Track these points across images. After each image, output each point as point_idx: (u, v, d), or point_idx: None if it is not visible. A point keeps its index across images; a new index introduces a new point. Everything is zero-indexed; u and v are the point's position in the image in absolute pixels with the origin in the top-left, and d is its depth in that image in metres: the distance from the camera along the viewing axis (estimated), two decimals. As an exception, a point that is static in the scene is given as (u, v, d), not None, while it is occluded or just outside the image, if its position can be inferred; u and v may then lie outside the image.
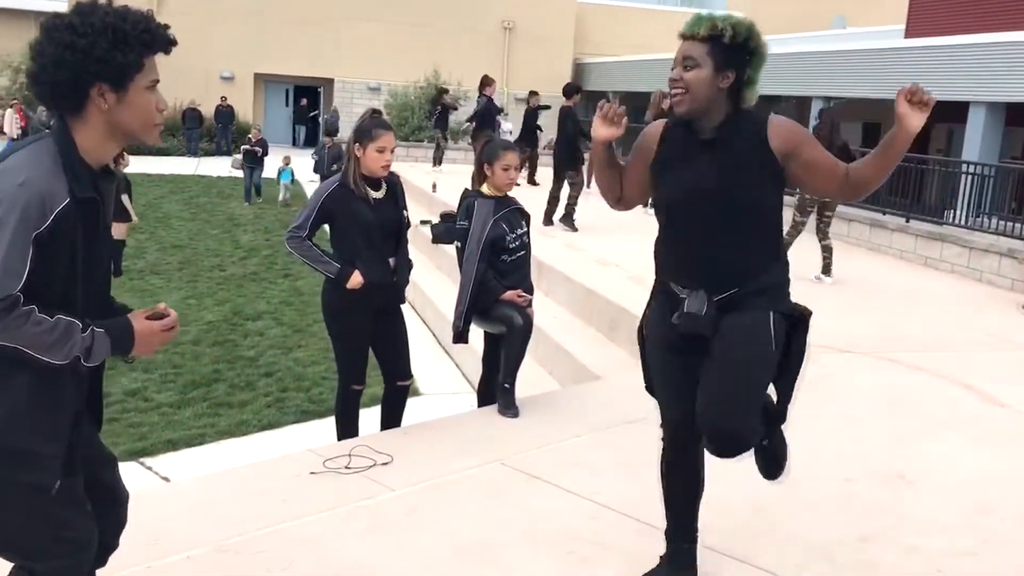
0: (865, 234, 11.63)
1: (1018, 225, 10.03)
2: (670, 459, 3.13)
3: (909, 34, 21.63)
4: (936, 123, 19.95)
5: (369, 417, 4.94)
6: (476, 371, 8.72)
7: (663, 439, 3.14)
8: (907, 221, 11.07)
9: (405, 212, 4.67)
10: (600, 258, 9.88)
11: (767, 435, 3.02)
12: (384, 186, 4.51)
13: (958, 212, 11.20)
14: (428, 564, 3.31)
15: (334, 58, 28.07)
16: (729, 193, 2.77)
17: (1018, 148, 17.72)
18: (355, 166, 4.41)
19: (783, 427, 3.08)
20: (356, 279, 4.37)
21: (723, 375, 2.79)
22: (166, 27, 2.17)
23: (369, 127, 4.39)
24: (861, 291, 8.94)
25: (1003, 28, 16.68)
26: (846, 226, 11.42)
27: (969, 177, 11.64)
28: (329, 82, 28.90)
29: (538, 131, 16.74)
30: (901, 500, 4.09)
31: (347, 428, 4.68)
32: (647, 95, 15.21)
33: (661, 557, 3.23)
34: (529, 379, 7.60)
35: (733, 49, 2.76)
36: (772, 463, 3.10)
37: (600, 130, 2.86)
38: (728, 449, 2.85)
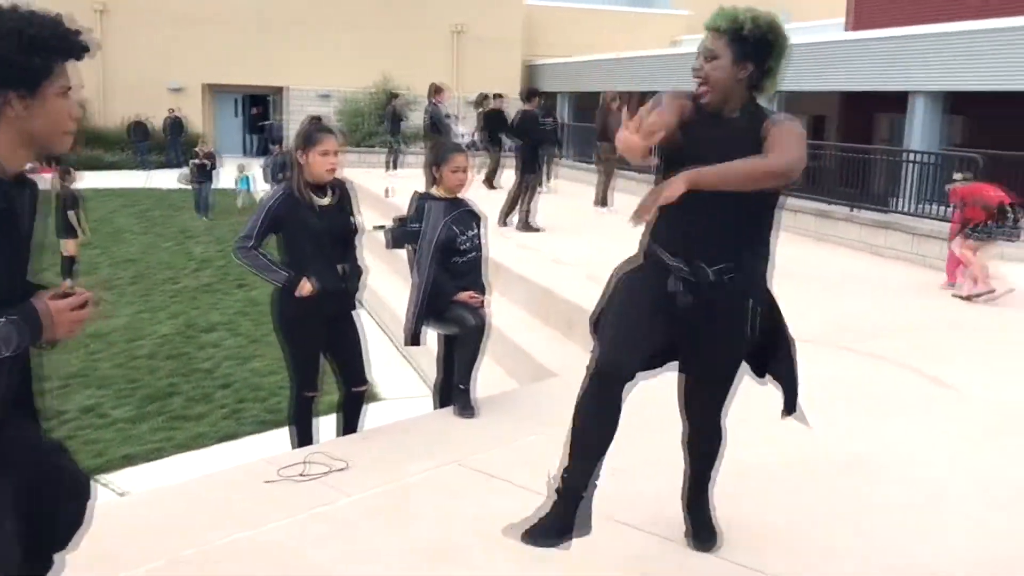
0: (812, 224, 11.81)
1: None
2: (598, 399, 3.05)
3: (851, 27, 22.04)
4: (879, 113, 20.37)
5: (328, 424, 4.93)
6: (435, 374, 8.76)
7: (592, 377, 3.05)
8: (852, 210, 11.26)
9: (354, 218, 4.66)
10: (556, 257, 9.94)
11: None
12: (332, 192, 4.50)
13: (903, 200, 11.43)
14: (389, 566, 3.32)
15: (284, 66, 27.87)
16: None
17: (959, 136, 18.10)
18: (300, 173, 4.40)
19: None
20: (306, 287, 4.36)
21: (713, 394, 3.25)
22: (79, 32, 2.10)
23: (311, 132, 4.39)
24: (810, 281, 9.08)
25: (941, 19, 17.06)
26: (792, 217, 11.58)
27: (912, 165, 11.89)
28: (280, 90, 28.69)
29: (505, 135, 16.41)
30: (853, 484, 4.18)
31: (303, 436, 4.67)
32: (597, 95, 15.30)
33: (555, 504, 3.20)
34: (488, 379, 7.60)
35: (752, 42, 2.88)
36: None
37: (634, 139, 2.76)
38: (716, 441, 3.31)
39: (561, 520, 3.16)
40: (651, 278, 3.07)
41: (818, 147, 16.48)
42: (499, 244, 10.48)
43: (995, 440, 4.78)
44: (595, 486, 3.18)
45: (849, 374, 5.94)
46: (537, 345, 7.72)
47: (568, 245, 10.68)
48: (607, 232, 12.09)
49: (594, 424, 3.08)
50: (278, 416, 7.57)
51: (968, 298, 8.19)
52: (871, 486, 4.16)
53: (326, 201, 4.47)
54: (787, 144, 2.84)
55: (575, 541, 3.49)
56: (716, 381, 3.21)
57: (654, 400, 3.54)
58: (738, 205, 2.90)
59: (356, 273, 4.65)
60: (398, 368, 9.01)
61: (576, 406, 3.09)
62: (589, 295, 7.91)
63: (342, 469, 4.14)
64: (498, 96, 16.96)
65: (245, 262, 4.45)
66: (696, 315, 3.00)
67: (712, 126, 2.97)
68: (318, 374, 4.69)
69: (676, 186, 2.70)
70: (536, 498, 3.87)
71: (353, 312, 4.77)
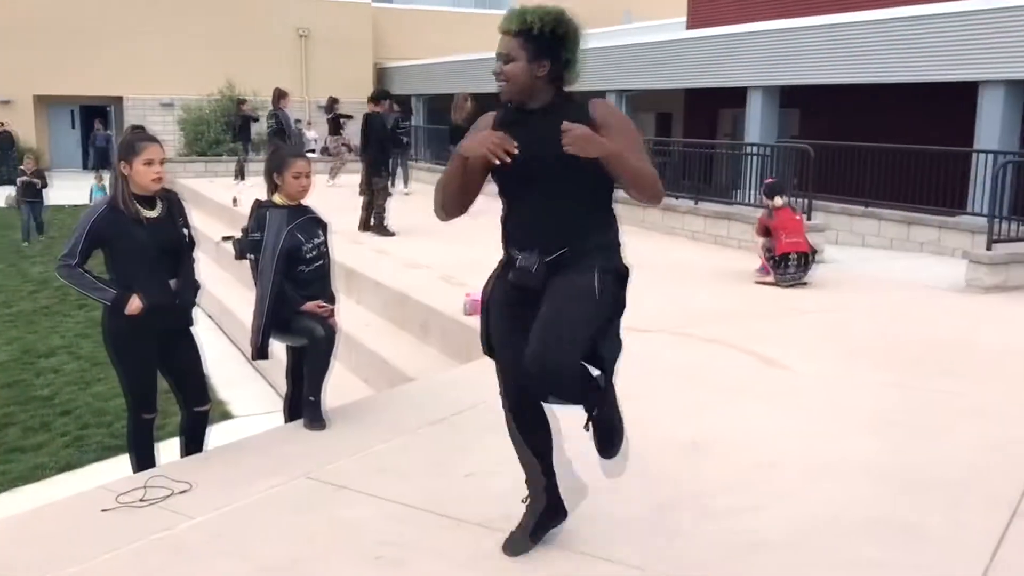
0: (659, 218, 12.19)
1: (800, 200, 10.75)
2: (521, 418, 3.26)
3: (691, 25, 22.86)
4: (722, 109, 21.22)
5: (174, 447, 4.75)
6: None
7: (506, 406, 3.27)
8: (696, 203, 11.68)
9: (186, 231, 4.51)
10: (411, 261, 9.90)
11: (595, 403, 3.15)
12: (160, 204, 4.34)
13: (743, 192, 11.93)
14: (232, 589, 3.23)
15: (121, 75, 26.70)
16: (562, 160, 2.89)
17: (795, 128, 19.05)
18: (124, 185, 4.22)
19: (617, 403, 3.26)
20: (134, 304, 4.19)
21: (546, 316, 2.96)
22: None
23: (132, 141, 4.22)
24: (656, 272, 9.36)
25: (776, 16, 17.90)
26: (641, 212, 11.92)
27: (750, 158, 12.43)
28: (119, 100, 27.47)
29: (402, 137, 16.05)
30: (694, 465, 4.33)
31: (142, 460, 4.48)
32: (449, 96, 15.30)
33: (541, 513, 3.41)
34: (343, 388, 7.53)
35: (544, 39, 2.97)
36: (606, 437, 3.26)
37: (480, 150, 2.93)
38: (548, 385, 2.99)
39: (537, 517, 3.40)
40: (507, 283, 3.16)
41: (664, 143, 17.12)
42: (352, 251, 10.39)
43: (821, 415, 5.04)
44: (553, 476, 3.40)
45: (689, 359, 6.16)
46: (392, 350, 7.67)
47: (423, 248, 10.66)
48: (462, 234, 12.15)
49: (536, 436, 3.31)
50: (124, 440, 7.25)
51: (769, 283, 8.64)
52: (711, 465, 4.31)
53: (153, 213, 4.29)
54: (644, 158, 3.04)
55: (421, 547, 3.50)
56: (552, 307, 2.98)
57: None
58: (575, 198, 3.03)
59: (189, 288, 4.48)
60: (250, 383, 8.78)
61: (513, 435, 3.33)
62: (443, 296, 7.97)
63: (184, 491, 3.99)
64: (394, 104, 16.69)
65: (69, 281, 4.23)
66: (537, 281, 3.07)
67: (521, 124, 3.04)
68: (154, 394, 4.49)
69: (596, 150, 2.85)
70: (386, 505, 3.87)
71: (191, 328, 4.60)
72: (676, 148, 14.38)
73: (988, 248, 8.39)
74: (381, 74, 29.86)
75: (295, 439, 4.72)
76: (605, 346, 3.15)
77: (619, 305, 3.17)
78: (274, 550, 3.47)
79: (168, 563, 3.40)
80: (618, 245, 3.19)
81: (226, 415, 7.94)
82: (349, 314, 8.97)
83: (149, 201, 4.28)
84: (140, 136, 4.26)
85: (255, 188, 15.95)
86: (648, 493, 4.01)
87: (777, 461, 4.38)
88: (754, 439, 4.68)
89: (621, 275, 3.15)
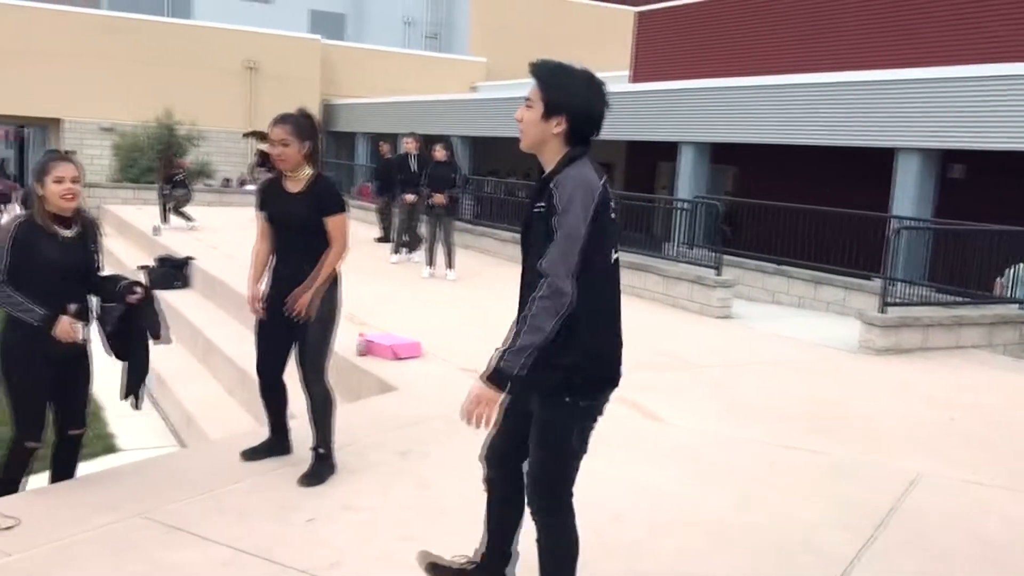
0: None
1: (710, 253, 10.90)
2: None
3: (633, 79, 23.30)
4: (661, 161, 21.57)
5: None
6: (182, 422, 8.42)
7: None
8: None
9: (97, 255, 4.47)
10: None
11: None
12: (76, 227, 4.34)
13: (673, 244, 12.02)
14: (27, 631, 3.13)
15: (61, 97, 26.34)
16: None
17: (729, 184, 19.42)
18: (41, 205, 4.25)
19: None
20: (62, 326, 4.16)
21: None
22: None
23: (44, 161, 4.29)
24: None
25: (717, 74, 18.33)
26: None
27: (677, 212, 12.60)
28: (56, 122, 27.09)
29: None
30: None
31: (6, 488, 4.34)
32: (395, 136, 15.23)
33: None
34: (233, 424, 7.44)
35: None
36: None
37: None
38: None
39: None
40: None
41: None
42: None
43: (682, 470, 5.07)
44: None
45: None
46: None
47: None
48: (379, 269, 12.12)
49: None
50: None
51: None
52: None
53: (69, 234, 4.31)
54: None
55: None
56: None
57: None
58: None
59: (86, 313, 4.43)
60: (143, 416, 8.58)
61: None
62: (340, 336, 7.87)
63: (11, 527, 3.88)
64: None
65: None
66: None
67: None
68: (42, 423, 4.39)
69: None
70: (215, 548, 3.79)
71: (88, 351, 4.53)
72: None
73: (881, 311, 8.57)
74: (328, 110, 29.88)
75: (145, 474, 4.64)
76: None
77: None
78: (81, 592, 3.38)
79: (-31, 602, 3.29)
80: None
81: (110, 448, 7.76)
82: (248, 348, 8.87)
83: (65, 222, 4.29)
84: (51, 156, 4.34)
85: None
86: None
87: (624, 514, 4.39)
88: (609, 491, 4.68)
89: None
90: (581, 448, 3.03)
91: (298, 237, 4.62)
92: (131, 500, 4.26)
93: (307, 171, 4.63)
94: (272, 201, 4.69)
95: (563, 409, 2.92)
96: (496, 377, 2.77)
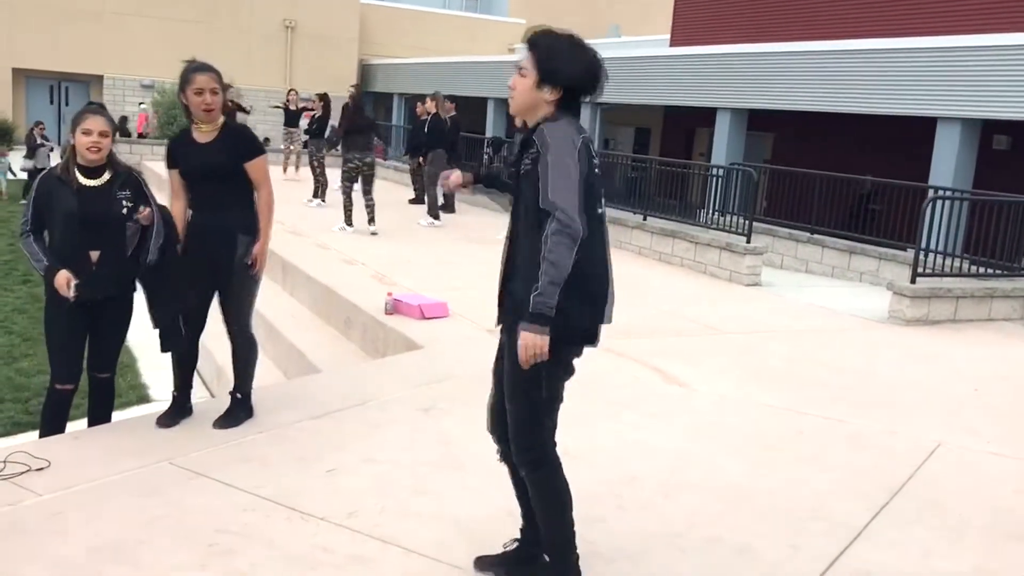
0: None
1: (743, 220, 10.81)
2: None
3: (673, 43, 22.99)
4: (699, 128, 21.34)
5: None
6: (214, 376, 8.58)
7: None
8: (644, 219, 11.75)
9: (127, 204, 4.39)
10: (348, 257, 9.93)
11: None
12: (107, 176, 4.38)
13: (708, 211, 11.91)
14: (56, 565, 3.25)
15: (104, 53, 26.63)
16: None
17: (768, 152, 19.16)
18: (70, 154, 4.36)
19: None
20: (60, 279, 4.23)
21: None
22: None
23: (78, 113, 4.40)
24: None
25: (755, 39, 18.04)
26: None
27: (712, 179, 12.47)
28: (98, 79, 27.39)
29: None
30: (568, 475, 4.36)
31: (49, 430, 4.49)
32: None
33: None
34: (261, 379, 7.57)
35: None
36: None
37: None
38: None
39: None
40: None
41: (640, 160, 17.23)
42: (293, 243, 10.42)
43: (699, 435, 5.10)
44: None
45: (592, 371, 6.12)
46: (313, 345, 7.69)
47: (366, 245, 10.70)
48: (406, 235, 12.19)
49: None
50: (37, 417, 7.25)
51: None
52: (576, 476, 4.30)
53: (94, 183, 4.36)
54: None
55: (258, 538, 3.53)
56: None
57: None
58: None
59: (114, 263, 4.40)
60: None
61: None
62: (369, 295, 7.99)
63: (41, 469, 4.01)
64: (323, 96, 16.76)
65: (24, 250, 4.39)
66: None
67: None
68: (74, 367, 4.51)
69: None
70: (237, 494, 3.90)
71: (130, 296, 4.59)
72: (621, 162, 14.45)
73: (912, 281, 8.48)
74: (365, 70, 29.88)
75: (175, 424, 4.75)
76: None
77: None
78: (108, 531, 3.50)
79: None
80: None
81: (143, 398, 7.95)
82: (280, 305, 9.01)
83: (94, 172, 4.37)
84: (86, 108, 4.43)
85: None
86: (506, 497, 4.04)
87: (640, 476, 4.43)
88: (626, 453, 4.74)
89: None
90: (556, 397, 3.07)
91: (217, 187, 4.56)
92: (158, 447, 4.39)
93: (220, 119, 4.60)
94: (185, 155, 4.60)
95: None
96: (536, 319, 2.80)
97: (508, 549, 3.40)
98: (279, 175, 18.17)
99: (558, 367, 3.00)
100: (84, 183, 4.34)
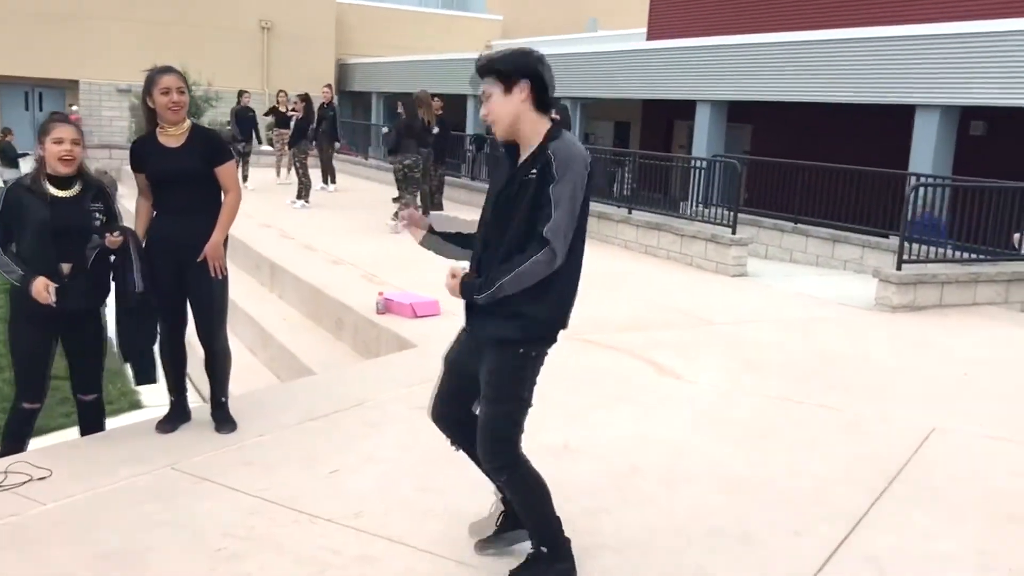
0: (594, 226, 12.27)
1: (726, 212, 10.87)
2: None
3: (650, 36, 23.04)
4: (677, 120, 21.41)
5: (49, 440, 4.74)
6: (205, 380, 8.54)
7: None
8: (630, 212, 11.79)
9: (99, 215, 4.40)
10: (336, 258, 9.91)
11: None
12: (78, 187, 4.36)
13: (690, 203, 11.98)
14: (61, 573, 3.24)
15: (79, 58, 26.37)
16: None
17: (747, 143, 19.24)
18: (41, 165, 4.33)
19: None
20: (38, 286, 4.16)
21: None
22: None
23: (44, 123, 4.34)
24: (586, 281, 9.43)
25: (732, 31, 18.10)
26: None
27: (694, 171, 12.52)
28: (74, 83, 27.13)
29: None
30: (561, 468, 4.38)
31: (8, 449, 4.44)
32: (410, 95, 15.32)
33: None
34: (254, 382, 7.55)
35: None
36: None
37: None
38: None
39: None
40: None
41: (621, 154, 17.28)
42: (280, 244, 10.38)
43: (698, 425, 5.14)
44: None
45: (588, 365, 6.22)
46: (305, 346, 7.68)
47: (352, 245, 10.67)
48: (385, 236, 12.17)
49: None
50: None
51: None
52: (578, 469, 4.38)
53: (66, 193, 4.33)
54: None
55: (265, 541, 3.53)
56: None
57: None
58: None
59: (86, 276, 4.37)
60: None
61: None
62: (359, 295, 7.98)
63: (43, 478, 4.00)
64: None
65: None
66: None
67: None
68: (40, 384, 4.48)
69: None
70: (242, 498, 3.89)
71: (100, 311, 4.58)
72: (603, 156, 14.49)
73: (897, 268, 8.56)
74: (342, 70, 29.77)
75: (174, 429, 4.74)
76: None
77: None
78: (114, 538, 3.49)
79: (5, 547, 3.40)
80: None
81: (135, 405, 7.91)
82: (270, 308, 8.99)
83: (64, 181, 4.33)
84: (52, 118, 4.38)
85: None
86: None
87: (642, 468, 4.46)
88: (626, 445, 4.77)
89: None
90: (530, 399, 3.16)
91: (186, 192, 4.48)
92: (159, 453, 4.37)
93: (187, 123, 4.51)
94: (151, 160, 4.47)
95: (517, 359, 3.07)
96: (469, 295, 3.06)
97: (497, 520, 3.47)
98: (273, 179, 18.12)
99: (537, 367, 3.15)
100: (56, 194, 4.30)
